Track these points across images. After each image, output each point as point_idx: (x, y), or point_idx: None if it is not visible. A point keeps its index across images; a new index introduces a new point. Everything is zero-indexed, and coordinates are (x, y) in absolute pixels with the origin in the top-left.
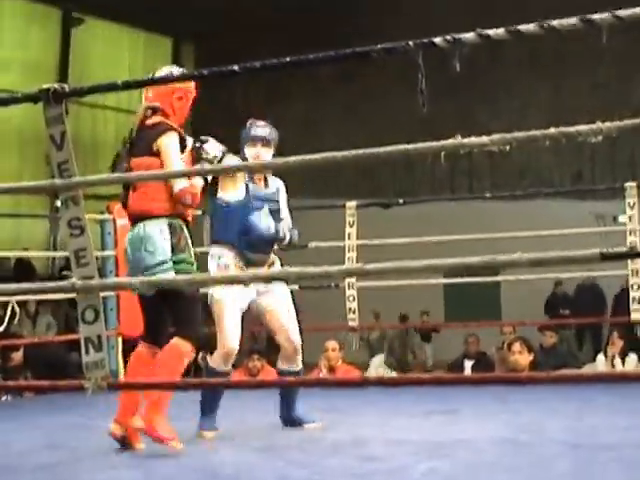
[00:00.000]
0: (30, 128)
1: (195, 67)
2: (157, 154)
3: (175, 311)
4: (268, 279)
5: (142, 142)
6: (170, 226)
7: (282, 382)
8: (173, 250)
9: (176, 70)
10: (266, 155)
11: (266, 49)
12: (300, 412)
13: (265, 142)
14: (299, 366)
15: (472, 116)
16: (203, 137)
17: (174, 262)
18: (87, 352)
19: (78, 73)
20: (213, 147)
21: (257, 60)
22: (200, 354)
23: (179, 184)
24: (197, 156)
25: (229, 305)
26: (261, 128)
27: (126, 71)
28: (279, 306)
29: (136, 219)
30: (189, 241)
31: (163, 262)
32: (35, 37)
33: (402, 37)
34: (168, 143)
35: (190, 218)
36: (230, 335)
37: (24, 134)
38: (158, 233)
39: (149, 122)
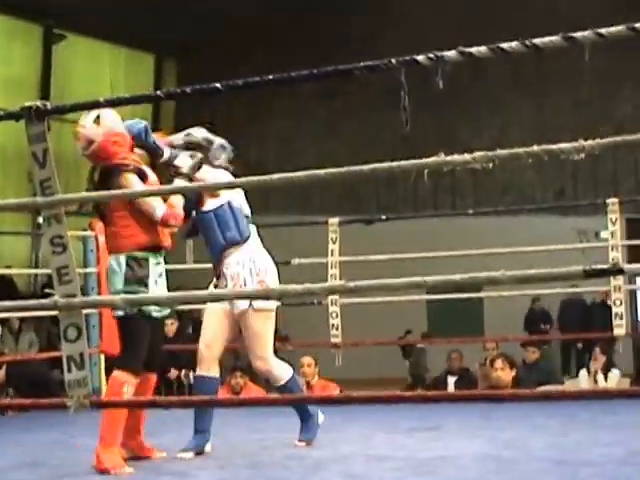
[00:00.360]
0: (12, 145)
1: (177, 83)
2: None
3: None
4: (250, 297)
5: (106, 182)
6: (129, 259)
7: (260, 400)
8: (125, 282)
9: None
10: None
11: (248, 65)
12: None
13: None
14: (278, 382)
15: (454, 133)
16: (173, 152)
17: (125, 292)
18: (69, 370)
19: (60, 89)
20: (183, 160)
21: (240, 75)
22: (183, 372)
23: (159, 211)
24: (172, 174)
25: (209, 310)
26: None
27: (108, 87)
28: (243, 323)
29: (110, 253)
30: (150, 273)
31: (115, 293)
32: (17, 53)
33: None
34: (127, 185)
35: (168, 244)
36: (204, 336)
37: (6, 151)
38: (114, 267)
39: (109, 162)
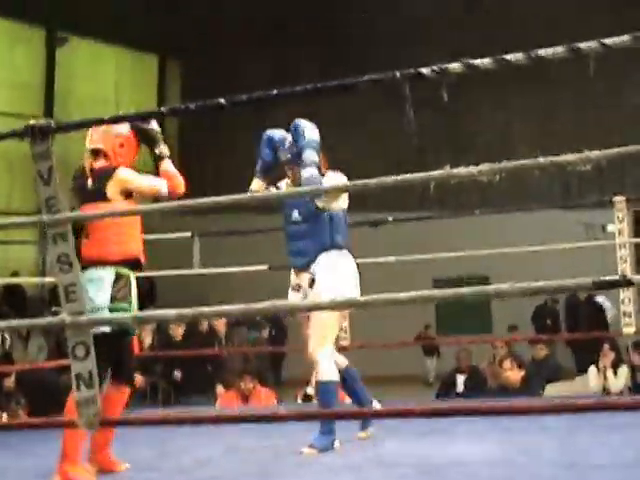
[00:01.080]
0: (18, 149)
1: (181, 83)
2: (110, 199)
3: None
4: (255, 313)
5: (92, 188)
6: (116, 275)
7: (252, 416)
8: (112, 300)
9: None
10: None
11: (251, 65)
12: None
13: (287, 165)
14: (319, 377)
15: (458, 129)
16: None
17: (110, 310)
18: (78, 388)
19: (64, 92)
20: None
21: (243, 77)
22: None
23: (163, 187)
24: (147, 140)
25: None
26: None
27: (112, 89)
28: (311, 315)
29: (87, 265)
30: (132, 289)
31: (99, 309)
32: (20, 58)
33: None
34: (127, 175)
35: (143, 259)
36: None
37: (12, 154)
38: (102, 281)
39: (95, 165)
